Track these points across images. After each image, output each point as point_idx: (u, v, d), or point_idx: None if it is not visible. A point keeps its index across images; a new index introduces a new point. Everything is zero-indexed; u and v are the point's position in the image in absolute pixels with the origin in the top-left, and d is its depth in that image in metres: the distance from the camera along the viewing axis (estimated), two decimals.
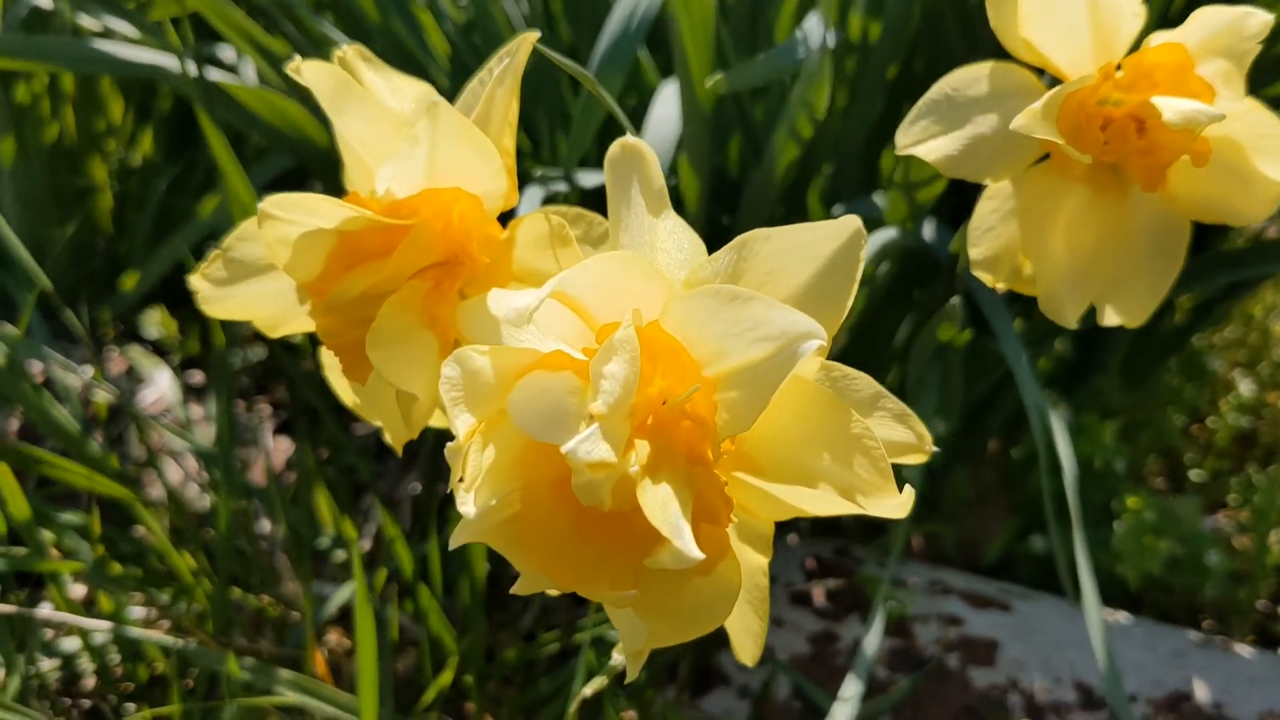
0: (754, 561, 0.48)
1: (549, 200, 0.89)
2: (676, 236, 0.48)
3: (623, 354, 0.40)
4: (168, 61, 0.94)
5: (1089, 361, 1.11)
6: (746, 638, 0.51)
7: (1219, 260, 0.95)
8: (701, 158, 0.89)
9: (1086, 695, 0.92)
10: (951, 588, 1.02)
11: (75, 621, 0.83)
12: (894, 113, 0.98)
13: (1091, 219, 0.63)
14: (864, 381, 0.46)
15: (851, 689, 0.81)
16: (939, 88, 0.63)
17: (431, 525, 0.96)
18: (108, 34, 1.00)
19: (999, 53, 0.65)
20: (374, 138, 0.55)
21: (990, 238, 0.64)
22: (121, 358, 1.26)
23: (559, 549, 0.42)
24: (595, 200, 0.72)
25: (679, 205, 0.76)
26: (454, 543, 0.41)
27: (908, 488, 0.42)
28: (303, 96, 0.96)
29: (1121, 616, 1.00)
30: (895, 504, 0.42)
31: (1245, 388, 1.23)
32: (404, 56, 0.99)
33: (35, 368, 1.09)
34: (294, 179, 1.14)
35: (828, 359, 0.45)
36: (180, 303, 1.30)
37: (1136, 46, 0.61)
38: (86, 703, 0.92)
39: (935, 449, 0.46)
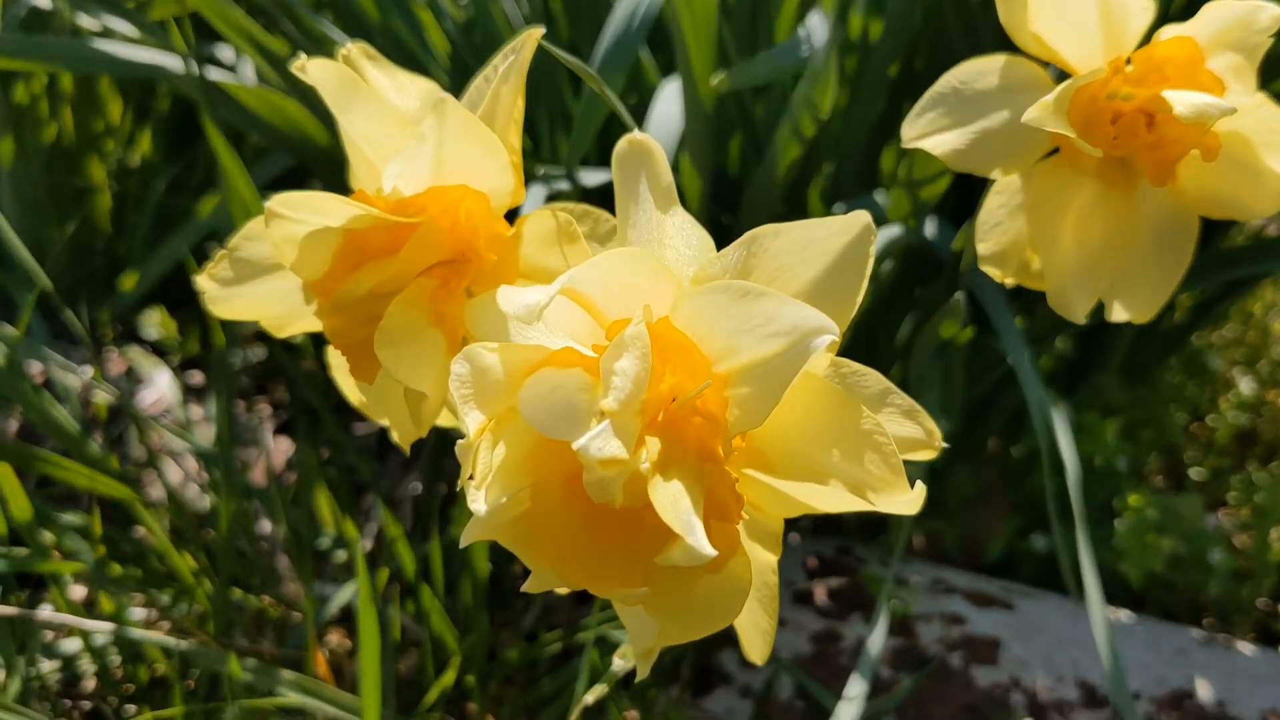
0: (763, 559, 0.48)
1: (552, 199, 0.89)
2: (685, 233, 0.48)
3: (633, 350, 0.40)
4: (167, 61, 0.94)
5: (1090, 360, 1.11)
6: (756, 635, 0.51)
7: (1219, 258, 0.95)
8: (703, 156, 0.89)
9: (1089, 694, 0.92)
10: (954, 586, 1.02)
11: (76, 623, 0.83)
12: (895, 111, 0.98)
13: (1100, 213, 0.62)
14: (873, 378, 0.45)
15: (856, 688, 0.81)
16: (946, 80, 0.63)
17: (433, 525, 0.96)
18: (107, 34, 1.00)
19: (1001, 49, 0.65)
20: (379, 135, 0.55)
21: (998, 233, 0.64)
22: (121, 358, 1.26)
23: (569, 546, 0.42)
24: (597, 199, 0.72)
25: (680, 203, 0.76)
26: (465, 540, 0.41)
27: (918, 484, 0.41)
28: (303, 95, 0.96)
29: (1124, 615, 1.00)
30: (906, 500, 0.41)
31: (1245, 386, 1.23)
32: (404, 55, 0.99)
33: (35, 368, 1.08)
34: (294, 178, 1.14)
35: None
36: (180, 303, 1.30)
37: (1146, 40, 0.61)
38: (87, 704, 0.92)
39: (944, 444, 0.46)
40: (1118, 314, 0.65)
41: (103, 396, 0.98)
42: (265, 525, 1.07)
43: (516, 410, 0.41)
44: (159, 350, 1.29)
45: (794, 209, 0.97)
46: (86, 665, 0.90)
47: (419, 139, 0.51)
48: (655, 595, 0.42)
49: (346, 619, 1.00)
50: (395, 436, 0.60)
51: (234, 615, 0.93)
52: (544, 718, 0.90)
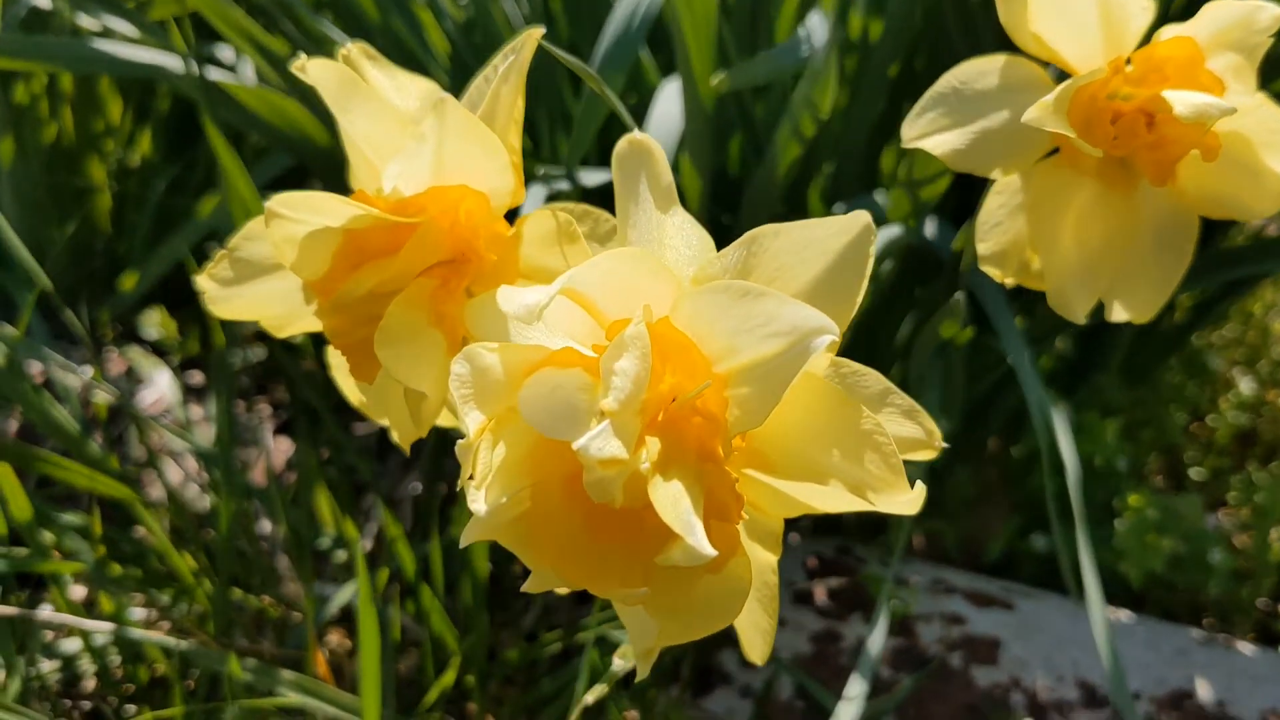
0: (763, 559, 0.48)
1: (551, 199, 0.89)
2: (685, 233, 0.48)
3: (634, 350, 0.40)
4: (167, 61, 0.94)
5: (1090, 360, 1.11)
6: (756, 635, 0.51)
7: (1218, 258, 0.95)
8: (703, 156, 0.89)
9: (1089, 694, 0.92)
10: (954, 586, 1.02)
11: (77, 623, 0.83)
12: (895, 111, 0.98)
13: (1100, 213, 0.62)
14: (873, 378, 0.45)
15: (856, 688, 0.81)
16: (946, 80, 0.63)
17: (433, 525, 0.96)
18: (107, 34, 1.00)
19: (1000, 49, 0.65)
20: (379, 135, 0.55)
21: (998, 233, 0.64)
22: (121, 358, 1.26)
23: (569, 546, 0.42)
24: (597, 199, 0.72)
25: (680, 203, 0.76)
26: (465, 540, 0.41)
27: (918, 484, 0.41)
28: (302, 95, 0.96)
29: (1124, 615, 1.00)
30: (906, 500, 0.41)
31: (1245, 386, 1.23)
32: (404, 55, 0.99)
33: (35, 368, 1.08)
34: (294, 179, 1.14)
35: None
36: (180, 303, 1.30)
37: (1146, 40, 0.61)
38: (87, 704, 0.92)
39: (944, 444, 0.46)
40: (1118, 314, 0.65)
41: (103, 396, 0.98)
42: (265, 525, 1.07)
43: (516, 410, 0.41)
44: (159, 350, 1.29)
45: (794, 209, 0.97)
46: (86, 665, 0.90)
47: (419, 139, 0.51)
48: (655, 595, 0.42)
49: (346, 619, 1.00)
50: (395, 436, 0.60)
51: (234, 615, 0.93)
52: (544, 717, 0.90)
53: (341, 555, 1.02)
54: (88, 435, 0.90)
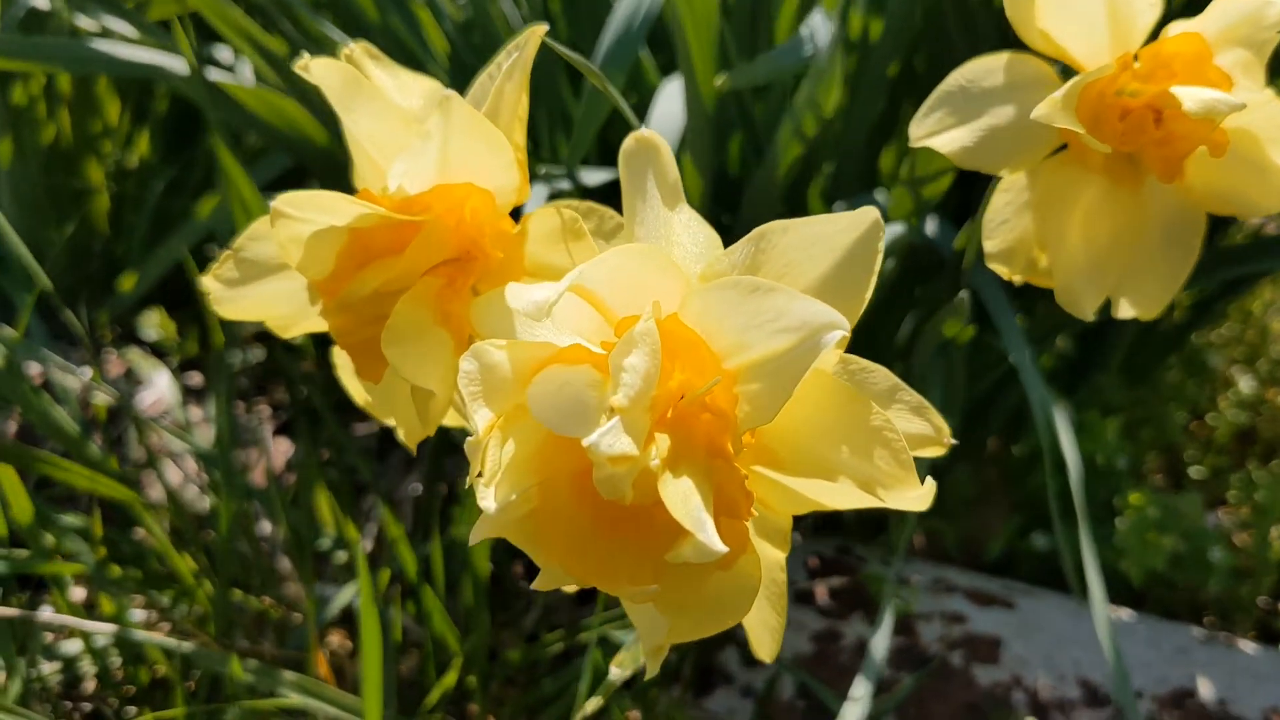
0: (772, 556, 0.48)
1: (553, 198, 0.89)
2: (692, 230, 0.48)
3: (643, 346, 0.39)
4: (166, 61, 0.94)
5: (1090, 359, 1.12)
6: (765, 633, 0.51)
7: (1218, 257, 0.95)
8: (704, 156, 0.89)
9: (1091, 692, 0.92)
10: (955, 585, 1.02)
11: (78, 624, 0.83)
12: (895, 111, 0.98)
13: (1108, 210, 0.63)
14: (881, 374, 0.45)
15: (861, 689, 0.81)
16: (953, 79, 0.63)
17: (434, 525, 0.96)
18: (105, 34, 1.00)
19: (1001, 48, 0.65)
20: (383, 134, 0.55)
21: (1005, 230, 0.64)
22: (120, 360, 1.25)
23: (579, 544, 0.42)
24: (598, 199, 0.72)
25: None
26: (474, 538, 0.41)
27: (929, 479, 0.41)
28: (301, 95, 0.96)
29: (1125, 613, 1.00)
30: (916, 496, 0.41)
31: (1245, 384, 1.23)
32: (403, 55, 0.99)
33: (34, 370, 1.08)
34: (292, 180, 1.14)
35: None
36: (179, 304, 1.30)
37: (1154, 36, 0.61)
38: (88, 706, 0.91)
39: (953, 441, 0.46)
40: (1124, 310, 0.65)
41: (102, 398, 0.98)
42: (265, 526, 1.07)
43: (525, 407, 0.41)
44: (158, 351, 1.29)
45: (794, 209, 0.97)
46: (87, 667, 0.90)
47: (424, 137, 0.51)
48: (665, 592, 0.42)
49: (347, 620, 0.99)
50: (401, 435, 0.60)
51: (234, 616, 0.92)
52: (545, 718, 0.90)
53: (342, 556, 1.02)
54: (87, 436, 0.90)
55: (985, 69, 0.63)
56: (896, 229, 0.87)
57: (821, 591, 1.01)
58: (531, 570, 1.06)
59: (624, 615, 0.87)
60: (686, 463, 0.40)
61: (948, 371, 0.90)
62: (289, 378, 1.16)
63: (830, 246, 0.43)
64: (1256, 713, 0.90)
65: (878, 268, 0.43)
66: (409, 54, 0.99)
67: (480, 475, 0.41)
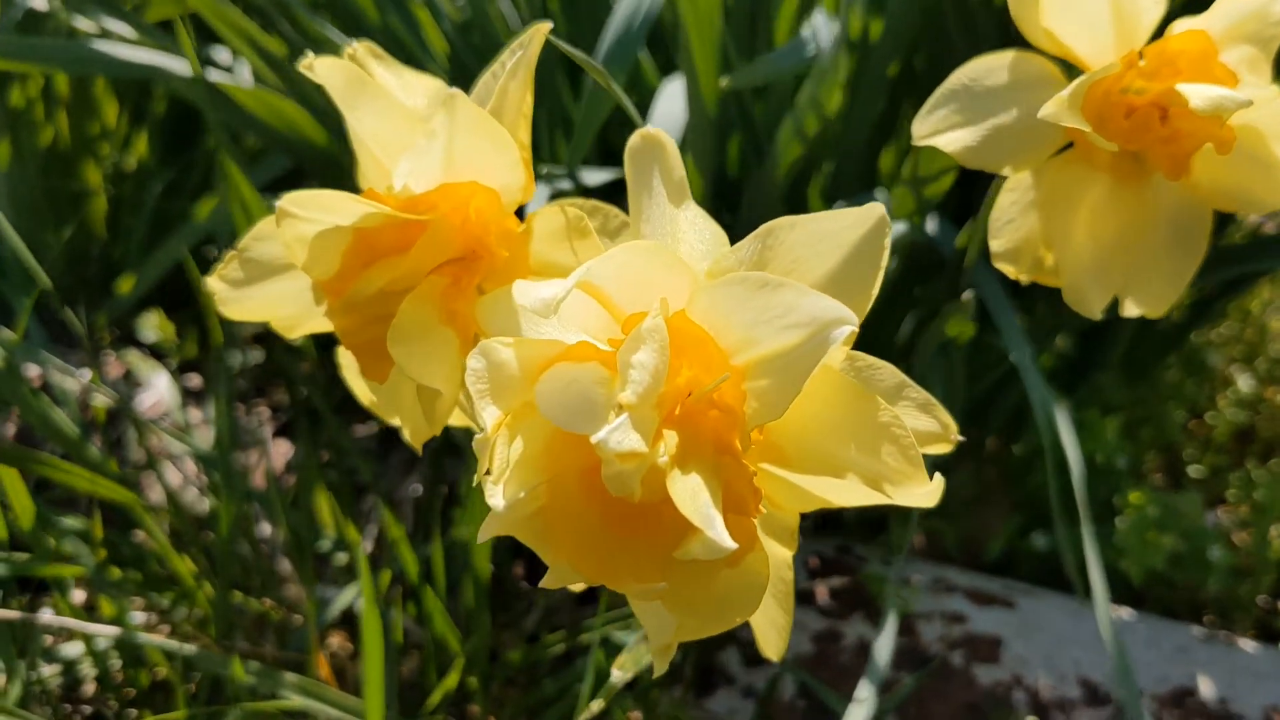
0: (779, 554, 0.48)
1: (554, 198, 0.89)
2: (698, 226, 0.48)
3: (651, 343, 0.39)
4: (165, 62, 0.94)
5: (1090, 358, 1.12)
6: (771, 631, 0.51)
7: (1217, 256, 0.95)
8: (705, 156, 0.89)
9: (1091, 692, 0.92)
10: (955, 585, 1.02)
11: (80, 627, 0.83)
12: (895, 111, 0.98)
13: (1114, 208, 0.63)
14: (888, 371, 0.45)
15: (865, 690, 0.81)
16: (956, 77, 0.63)
17: (435, 526, 0.96)
18: (104, 35, 0.99)
19: (1001, 47, 0.65)
20: (387, 133, 0.55)
21: (1011, 229, 0.64)
22: (119, 361, 1.25)
23: (587, 541, 0.42)
24: (598, 198, 0.72)
25: None
26: (482, 535, 0.41)
27: (937, 476, 0.41)
28: (301, 96, 0.96)
29: (1125, 613, 1.01)
30: (924, 493, 0.41)
31: (1244, 383, 1.23)
32: (403, 56, 0.99)
33: (33, 372, 1.08)
34: (291, 181, 1.13)
35: None
36: (178, 306, 1.30)
37: (1159, 34, 0.61)
38: (88, 708, 0.91)
39: (960, 438, 0.46)
40: (1130, 309, 0.65)
41: (101, 400, 0.98)
42: (265, 528, 1.07)
43: (533, 405, 0.41)
44: (157, 353, 1.29)
45: (794, 209, 0.97)
46: (87, 669, 0.90)
47: (429, 135, 0.51)
48: (673, 590, 0.42)
49: (348, 621, 0.99)
50: (407, 435, 0.60)
51: (235, 618, 0.92)
52: (546, 719, 0.89)
53: (342, 558, 1.01)
54: (87, 439, 0.90)
55: (988, 68, 0.63)
56: (899, 228, 0.88)
57: (822, 591, 1.01)
58: (532, 571, 1.07)
59: (626, 616, 0.87)
60: (695, 459, 0.40)
61: (948, 371, 0.90)
62: (289, 379, 1.16)
63: (837, 242, 0.43)
64: (1257, 711, 0.91)
65: (884, 264, 0.43)
66: (408, 54, 0.99)
67: (488, 473, 0.41)
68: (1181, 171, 0.60)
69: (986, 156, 0.62)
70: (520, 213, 0.56)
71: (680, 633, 0.45)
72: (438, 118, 0.50)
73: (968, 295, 0.79)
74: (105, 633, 0.83)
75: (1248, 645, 0.97)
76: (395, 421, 0.60)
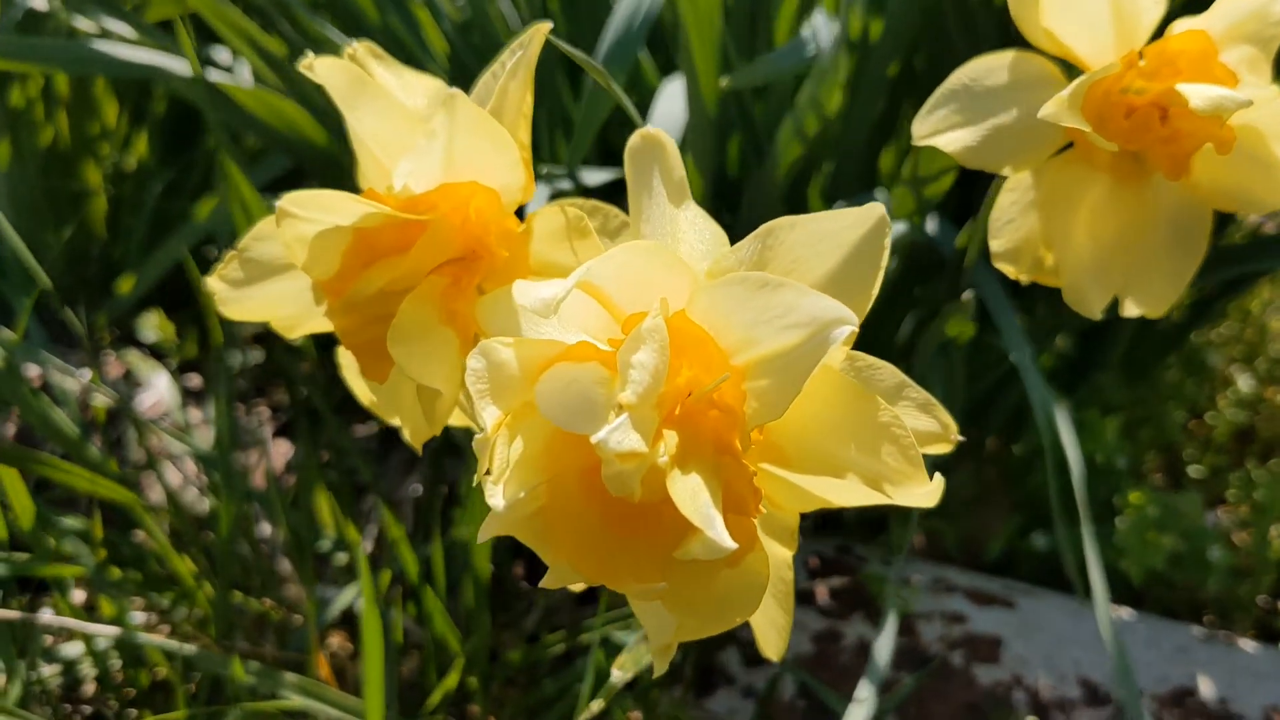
0: (779, 554, 0.48)
1: (553, 198, 0.89)
2: (698, 226, 0.48)
3: (651, 343, 0.39)
4: (166, 62, 0.94)
5: (1090, 358, 1.12)
6: (772, 631, 0.51)
7: (1217, 256, 0.95)
8: (705, 156, 0.89)
9: (1091, 692, 0.92)
10: (955, 585, 1.02)
11: (80, 627, 0.83)
12: (894, 111, 0.98)
13: (1114, 208, 0.63)
14: (888, 371, 0.45)
15: (866, 690, 0.81)
16: (957, 77, 0.63)
17: (435, 526, 0.96)
18: (104, 35, 0.99)
19: (1001, 47, 0.65)
20: (388, 133, 0.55)
21: (1011, 229, 0.64)
22: (118, 361, 1.25)
23: (587, 541, 0.42)
24: (598, 198, 0.72)
25: None
26: (482, 535, 0.41)
27: (937, 475, 0.41)
28: (301, 96, 0.95)
29: (1124, 613, 1.01)
30: (924, 492, 0.41)
31: (1243, 383, 1.23)
32: (403, 56, 0.98)
33: (33, 372, 1.08)
34: (290, 181, 1.13)
35: None
36: (177, 306, 1.30)
37: (1159, 34, 0.61)
38: (88, 708, 0.91)
39: (960, 438, 0.46)
40: (1131, 309, 0.65)
41: (101, 400, 0.98)
42: (265, 528, 1.07)
43: (533, 405, 0.41)
44: (157, 353, 1.29)
45: (794, 209, 0.97)
46: (87, 669, 0.90)
47: (429, 135, 0.51)
48: (673, 590, 0.42)
49: (348, 622, 0.99)
50: (407, 436, 0.60)
51: (235, 618, 0.92)
52: (546, 719, 0.89)
53: (342, 558, 1.01)
54: (87, 439, 0.90)
55: (989, 68, 0.63)
56: (898, 228, 0.88)
57: (822, 591, 1.01)
58: (532, 571, 1.07)
59: (626, 616, 0.87)
60: (695, 459, 0.40)
61: (948, 371, 0.90)
62: (289, 379, 1.16)
63: (838, 242, 0.43)
64: (1257, 711, 0.91)
65: (885, 263, 0.43)
66: (408, 54, 0.99)
67: (488, 473, 0.41)
68: (1182, 171, 0.60)
69: (987, 156, 0.62)
70: (520, 213, 0.56)
71: (680, 633, 0.45)
72: (438, 117, 0.50)
73: (968, 295, 0.79)
74: (105, 633, 0.83)
75: (1248, 645, 0.97)
76: (395, 421, 0.60)
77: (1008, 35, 0.65)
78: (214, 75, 0.95)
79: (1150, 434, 1.17)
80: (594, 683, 0.81)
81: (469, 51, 1.00)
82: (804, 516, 0.49)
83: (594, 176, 0.91)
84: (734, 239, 0.47)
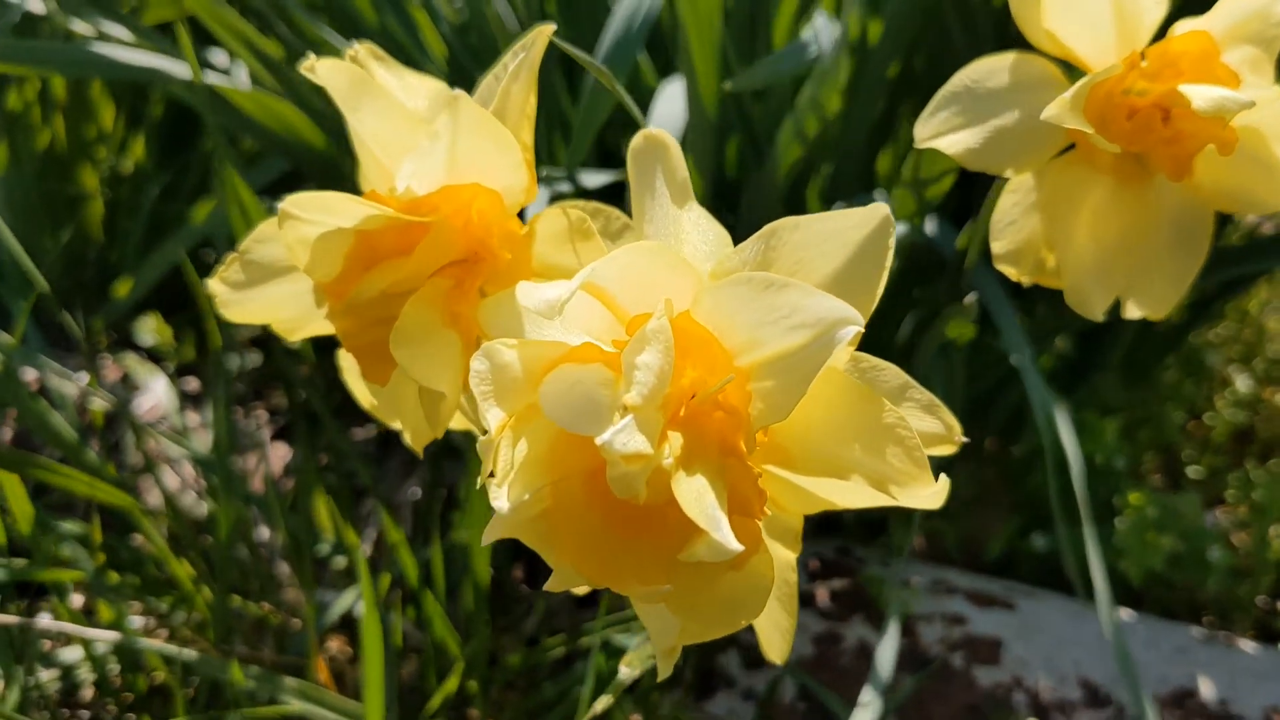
0: (783, 557, 0.48)
1: (553, 200, 0.89)
2: (701, 227, 0.48)
3: (656, 344, 0.39)
4: (164, 64, 0.94)
5: (1089, 359, 1.12)
6: (776, 634, 0.50)
7: (1215, 257, 0.95)
8: (705, 158, 0.89)
9: (1091, 693, 0.92)
10: (955, 587, 1.02)
11: (78, 632, 0.82)
12: (893, 112, 0.98)
13: (1116, 210, 0.62)
14: (892, 372, 0.45)
15: (869, 695, 0.81)
16: (959, 79, 0.63)
17: (434, 530, 0.96)
18: (102, 38, 0.99)
19: (1001, 48, 0.65)
20: (389, 135, 0.55)
21: (1013, 231, 0.64)
22: (116, 365, 1.25)
23: (591, 543, 0.42)
24: (597, 200, 0.72)
25: None
26: (487, 538, 0.41)
27: (943, 476, 0.41)
28: (298, 99, 0.95)
29: (1124, 614, 1.01)
30: (930, 494, 0.41)
31: (1242, 383, 1.23)
32: (401, 58, 0.98)
33: (30, 375, 1.08)
34: (288, 184, 1.13)
35: None
36: (175, 309, 1.29)
37: (1160, 35, 0.61)
38: (86, 713, 0.91)
39: (964, 439, 0.46)
40: (1132, 310, 0.65)
41: (99, 403, 0.98)
42: (264, 532, 1.07)
43: (537, 407, 0.40)
44: (154, 356, 1.28)
45: (793, 210, 0.97)
46: (86, 674, 0.90)
47: (432, 137, 0.50)
48: (677, 593, 0.42)
49: (346, 625, 0.99)
50: (408, 438, 0.59)
51: (233, 622, 0.92)
52: None
53: (341, 561, 1.01)
54: (85, 442, 0.90)
55: (990, 69, 0.63)
56: (899, 229, 0.87)
57: (822, 594, 1.01)
58: (531, 574, 1.06)
59: (625, 619, 0.87)
60: (700, 461, 0.40)
61: (948, 372, 0.90)
62: (287, 382, 1.16)
63: (842, 242, 0.43)
64: (1257, 712, 0.91)
65: (889, 264, 0.43)
66: (406, 57, 0.99)
67: (492, 475, 0.41)
68: (1184, 173, 0.60)
69: (988, 158, 0.62)
70: (522, 215, 0.56)
71: (684, 636, 0.45)
72: (441, 119, 0.50)
73: (970, 299, 0.79)
74: (104, 637, 0.83)
75: (1247, 646, 0.97)
76: (396, 424, 0.60)
77: (1007, 36, 0.65)
78: (211, 78, 0.95)
79: (1149, 435, 1.18)
80: (594, 686, 0.81)
81: (466, 53, 1.00)
82: (805, 518, 0.49)
83: (593, 179, 0.91)
84: (733, 241, 0.47)
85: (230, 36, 0.92)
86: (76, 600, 0.99)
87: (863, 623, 0.98)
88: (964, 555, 1.12)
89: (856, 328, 0.38)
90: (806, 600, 1.00)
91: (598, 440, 0.37)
